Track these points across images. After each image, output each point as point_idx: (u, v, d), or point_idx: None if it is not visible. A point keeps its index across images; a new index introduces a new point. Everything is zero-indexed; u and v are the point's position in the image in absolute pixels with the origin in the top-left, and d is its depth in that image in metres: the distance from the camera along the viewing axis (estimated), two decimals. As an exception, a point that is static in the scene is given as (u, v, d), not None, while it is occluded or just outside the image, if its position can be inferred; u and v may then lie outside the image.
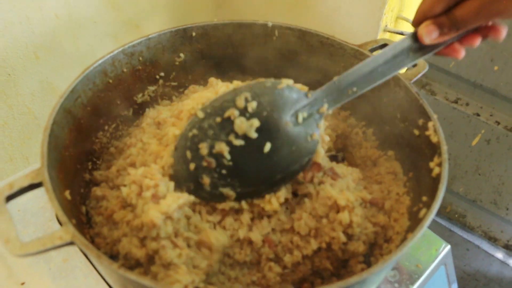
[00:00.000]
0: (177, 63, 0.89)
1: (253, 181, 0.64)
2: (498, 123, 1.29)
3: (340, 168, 0.72)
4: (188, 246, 0.61)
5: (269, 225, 0.67)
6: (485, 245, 1.48)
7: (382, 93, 0.78)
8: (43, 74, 1.15)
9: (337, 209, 0.65)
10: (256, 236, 0.65)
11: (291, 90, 0.65)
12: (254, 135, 0.62)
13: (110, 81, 0.79)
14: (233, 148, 0.62)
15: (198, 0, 1.47)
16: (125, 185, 0.64)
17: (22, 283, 0.71)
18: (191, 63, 0.90)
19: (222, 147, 0.62)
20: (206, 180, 0.64)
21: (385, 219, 0.68)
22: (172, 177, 0.67)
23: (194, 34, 0.86)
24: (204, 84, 0.89)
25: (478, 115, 1.31)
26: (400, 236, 0.63)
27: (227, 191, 0.64)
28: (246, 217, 0.66)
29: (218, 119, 0.63)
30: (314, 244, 0.65)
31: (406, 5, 1.36)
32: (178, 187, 0.66)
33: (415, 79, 0.74)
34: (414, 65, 0.76)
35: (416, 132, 0.70)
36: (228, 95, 0.65)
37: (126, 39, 0.81)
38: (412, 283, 0.75)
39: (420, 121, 0.69)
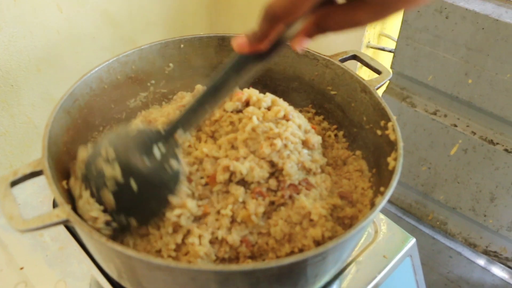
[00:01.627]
0: (166, 72, 0.95)
1: (138, 213, 0.69)
2: (474, 133, 1.34)
3: (314, 177, 0.78)
4: None
5: (247, 228, 0.71)
6: (467, 252, 1.53)
7: (351, 99, 0.86)
8: (44, 86, 1.20)
9: (310, 218, 0.70)
10: (234, 238, 0.69)
11: (143, 133, 0.70)
12: (121, 179, 0.66)
13: (106, 86, 0.85)
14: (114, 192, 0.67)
15: (193, 17, 1.54)
16: None
17: (21, 268, 0.77)
18: (180, 72, 0.96)
19: (105, 194, 0.67)
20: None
21: (352, 211, 0.75)
22: None
23: (182, 46, 0.93)
24: (191, 90, 0.96)
25: (455, 125, 1.37)
26: (362, 224, 0.70)
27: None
28: (226, 220, 0.71)
29: (94, 172, 0.68)
30: (287, 248, 0.70)
31: (388, 23, 1.44)
32: None
33: (379, 85, 0.81)
34: (379, 73, 0.84)
35: (379, 132, 0.78)
36: (95, 149, 0.71)
37: (123, 54, 0.89)
38: (379, 272, 0.82)
39: (382, 122, 0.77)
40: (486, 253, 1.49)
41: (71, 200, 0.67)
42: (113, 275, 0.65)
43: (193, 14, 1.53)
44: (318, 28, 0.55)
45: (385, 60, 1.53)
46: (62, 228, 0.84)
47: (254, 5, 1.47)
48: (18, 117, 1.20)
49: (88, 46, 1.27)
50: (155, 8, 1.39)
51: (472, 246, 1.51)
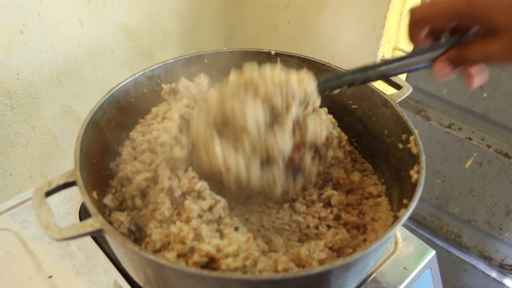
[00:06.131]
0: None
1: None
2: (489, 146, 1.35)
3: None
4: None
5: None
6: (482, 265, 1.53)
7: (372, 113, 0.87)
8: (64, 98, 1.22)
9: None
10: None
11: None
12: None
13: (132, 100, 0.87)
14: None
15: (208, 31, 1.56)
16: None
17: (50, 277, 0.79)
18: (203, 86, 0.98)
19: None
20: None
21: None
22: None
23: (206, 60, 0.95)
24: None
25: (470, 139, 1.38)
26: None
27: None
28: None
29: None
30: None
31: (403, 37, 1.45)
32: None
33: (400, 99, 0.83)
34: (399, 88, 0.86)
35: (400, 145, 0.79)
36: None
37: (141, 66, 0.89)
38: (399, 283, 0.83)
39: (404, 136, 0.78)
40: (501, 266, 1.48)
41: (102, 211, 0.68)
42: (141, 283, 0.67)
43: (208, 28, 1.56)
44: (458, 56, 0.62)
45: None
46: (88, 238, 0.85)
47: (268, 20, 1.48)
48: (39, 128, 1.22)
49: (107, 59, 1.29)
50: (172, 22, 1.42)
51: (488, 259, 1.51)
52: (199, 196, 0.72)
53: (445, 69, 0.64)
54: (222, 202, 0.72)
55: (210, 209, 0.71)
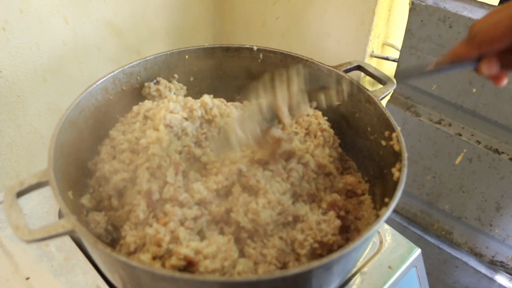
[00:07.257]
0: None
1: None
2: (479, 142, 1.34)
3: None
4: None
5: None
6: (473, 262, 1.52)
7: (355, 110, 0.86)
8: (50, 96, 1.20)
9: None
10: None
11: None
12: None
13: (111, 97, 0.86)
14: None
15: (196, 28, 1.55)
16: None
17: (27, 278, 0.77)
18: (185, 82, 0.97)
19: None
20: None
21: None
22: None
23: (187, 56, 0.93)
24: (197, 100, 0.96)
25: (460, 135, 1.37)
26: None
27: None
28: None
29: None
30: None
31: (392, 32, 1.44)
32: None
33: (383, 96, 0.82)
34: (384, 83, 0.84)
35: (383, 142, 0.78)
36: None
37: (128, 64, 0.89)
38: (384, 282, 0.81)
39: (387, 133, 0.77)
40: (492, 263, 1.48)
41: (78, 212, 0.67)
42: (118, 285, 0.66)
43: (197, 24, 1.54)
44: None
45: (389, 70, 1.53)
46: (67, 238, 0.84)
47: (257, 16, 1.47)
48: (24, 127, 1.20)
49: (93, 56, 1.28)
50: (160, 19, 1.40)
51: (478, 256, 1.50)
52: (182, 205, 0.71)
53: (492, 69, 0.57)
54: (207, 217, 0.72)
55: (195, 219, 0.70)
